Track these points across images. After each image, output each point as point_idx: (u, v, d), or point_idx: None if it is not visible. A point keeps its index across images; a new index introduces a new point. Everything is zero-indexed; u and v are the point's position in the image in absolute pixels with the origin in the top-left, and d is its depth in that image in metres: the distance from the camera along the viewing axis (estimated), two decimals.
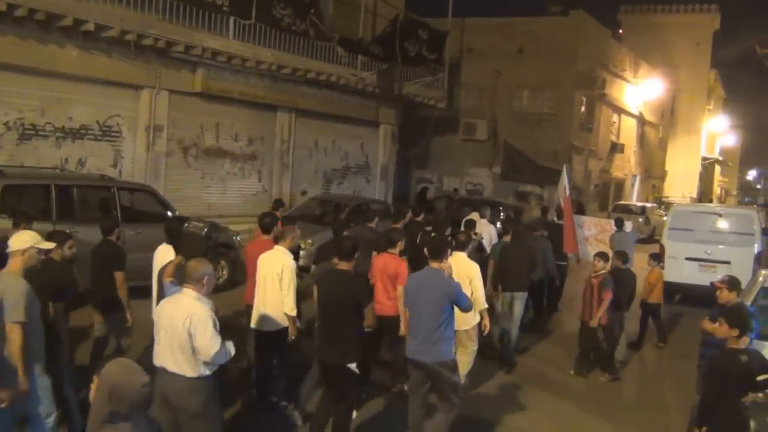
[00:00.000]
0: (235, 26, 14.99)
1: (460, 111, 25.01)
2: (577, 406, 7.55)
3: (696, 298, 11.52)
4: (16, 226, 6.38)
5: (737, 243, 12.96)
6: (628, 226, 13.71)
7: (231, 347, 4.53)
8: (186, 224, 6.98)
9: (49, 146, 12.83)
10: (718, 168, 55.01)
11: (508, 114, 25.13)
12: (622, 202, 29.18)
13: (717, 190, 56.59)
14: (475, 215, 11.19)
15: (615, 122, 30.28)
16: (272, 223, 7.08)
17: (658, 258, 10.70)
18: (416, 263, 6.61)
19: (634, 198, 33.47)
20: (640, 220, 24.81)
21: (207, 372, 4.44)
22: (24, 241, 4.75)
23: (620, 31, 39.98)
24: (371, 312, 5.86)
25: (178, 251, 5.89)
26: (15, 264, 4.68)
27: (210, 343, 4.33)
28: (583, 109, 26.07)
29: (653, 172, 38.58)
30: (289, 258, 6.15)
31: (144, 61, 13.82)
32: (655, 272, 10.22)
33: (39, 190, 9.29)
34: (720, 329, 5.17)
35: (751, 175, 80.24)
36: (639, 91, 31.75)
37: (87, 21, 12.16)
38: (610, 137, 29.48)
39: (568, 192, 12.04)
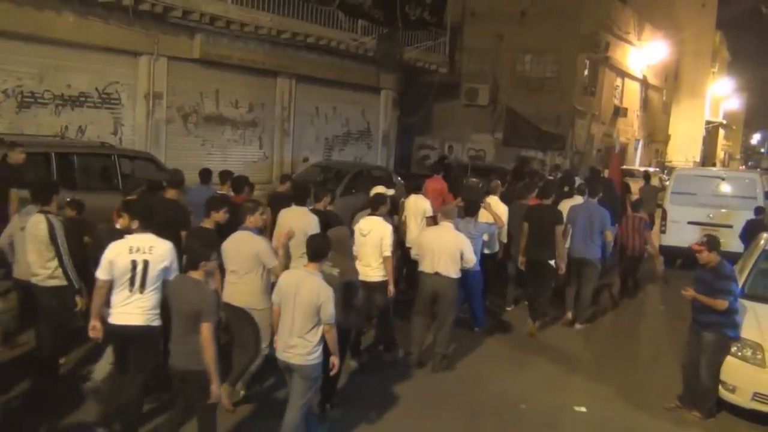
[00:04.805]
0: None
1: (462, 76, 24.71)
2: (569, 367, 7.67)
3: (697, 263, 11.52)
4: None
5: (740, 207, 12.93)
6: (655, 180, 18.08)
7: None
8: (465, 180, 10.46)
9: (48, 114, 12.76)
10: (721, 132, 54.61)
11: (510, 78, 24.85)
12: (625, 166, 29.03)
13: (720, 154, 56.26)
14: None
15: (618, 86, 29.98)
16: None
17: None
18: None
19: (637, 162, 33.32)
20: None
21: (459, 275, 7.14)
22: (380, 189, 7.78)
23: None
24: (561, 231, 8.68)
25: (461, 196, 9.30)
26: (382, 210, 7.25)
27: (472, 256, 7.16)
28: (586, 72, 25.78)
29: (656, 136, 38.32)
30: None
31: (142, 26, 13.67)
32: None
33: (39, 158, 9.25)
34: None
35: (755, 138, 79.64)
36: (643, 54, 31.35)
37: None
38: (613, 101, 29.21)
39: (617, 150, 17.08)
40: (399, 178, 15.90)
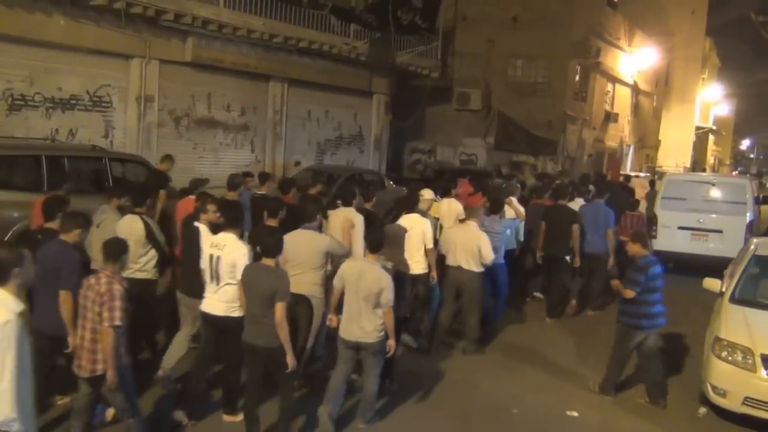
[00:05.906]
0: None
1: (454, 81, 24.75)
2: (561, 372, 7.66)
3: (688, 267, 11.59)
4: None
5: (729, 212, 13.00)
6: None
7: None
8: (490, 181, 12.38)
9: (39, 117, 12.70)
10: (711, 137, 54.91)
11: (502, 83, 24.92)
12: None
13: (710, 159, 56.58)
14: None
15: (609, 91, 30.11)
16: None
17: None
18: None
19: (627, 167, 33.43)
20: None
21: (482, 269, 7.85)
22: (428, 192, 8.73)
23: None
24: (577, 229, 9.58)
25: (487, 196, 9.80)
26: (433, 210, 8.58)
27: (489, 253, 7.75)
28: (577, 78, 25.88)
29: (647, 142, 38.49)
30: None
31: (133, 30, 13.63)
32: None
33: (29, 161, 9.19)
34: None
35: (745, 144, 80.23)
36: (633, 59, 31.50)
37: None
38: (604, 106, 29.32)
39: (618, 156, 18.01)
40: (391, 182, 15.93)
